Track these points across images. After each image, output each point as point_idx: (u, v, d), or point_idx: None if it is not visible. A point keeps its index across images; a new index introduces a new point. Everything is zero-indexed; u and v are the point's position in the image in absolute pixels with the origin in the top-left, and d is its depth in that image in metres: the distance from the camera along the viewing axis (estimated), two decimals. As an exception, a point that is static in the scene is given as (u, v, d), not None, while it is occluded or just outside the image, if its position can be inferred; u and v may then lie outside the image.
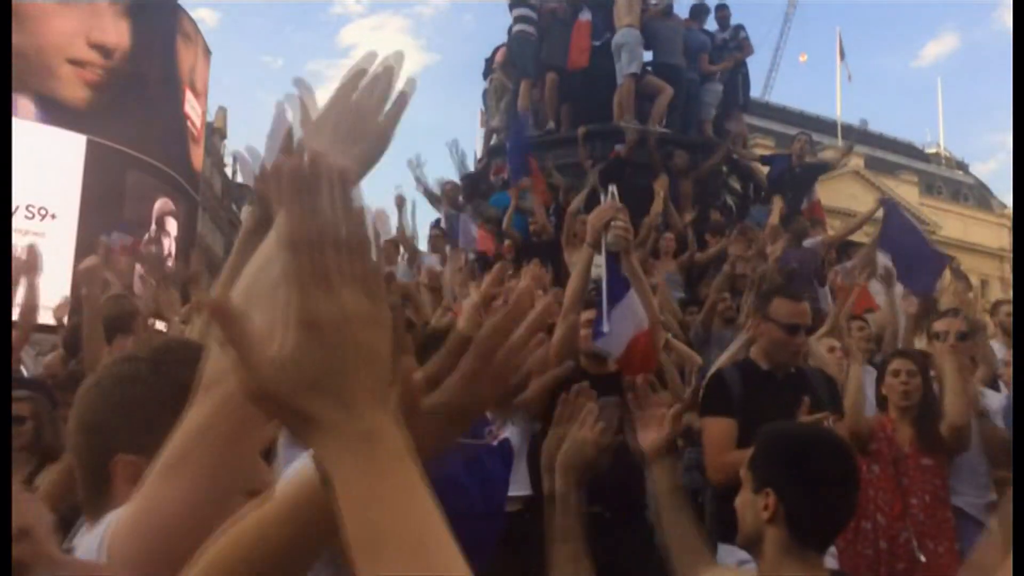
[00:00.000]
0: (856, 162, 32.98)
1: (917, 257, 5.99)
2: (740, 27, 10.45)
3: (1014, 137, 4.24)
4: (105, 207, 16.92)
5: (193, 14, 22.55)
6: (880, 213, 7.02)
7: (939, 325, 4.11)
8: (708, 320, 5.84)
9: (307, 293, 0.65)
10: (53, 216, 16.20)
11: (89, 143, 17.18)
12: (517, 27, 10.01)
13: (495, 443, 3.27)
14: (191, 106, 21.53)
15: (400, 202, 8.81)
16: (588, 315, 4.05)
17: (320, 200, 0.67)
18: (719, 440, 3.10)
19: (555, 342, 4.12)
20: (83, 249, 16.14)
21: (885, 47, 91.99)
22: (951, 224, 38.69)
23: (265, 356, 0.65)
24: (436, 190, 9.79)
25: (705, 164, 9.11)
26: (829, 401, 3.18)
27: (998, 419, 3.95)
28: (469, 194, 9.58)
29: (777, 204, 8.18)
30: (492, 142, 10.88)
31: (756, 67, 9.95)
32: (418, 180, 9.64)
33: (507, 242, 7.77)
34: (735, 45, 10.28)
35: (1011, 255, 41.25)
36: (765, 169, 9.92)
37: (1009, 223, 42.97)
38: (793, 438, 1.93)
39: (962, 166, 46.75)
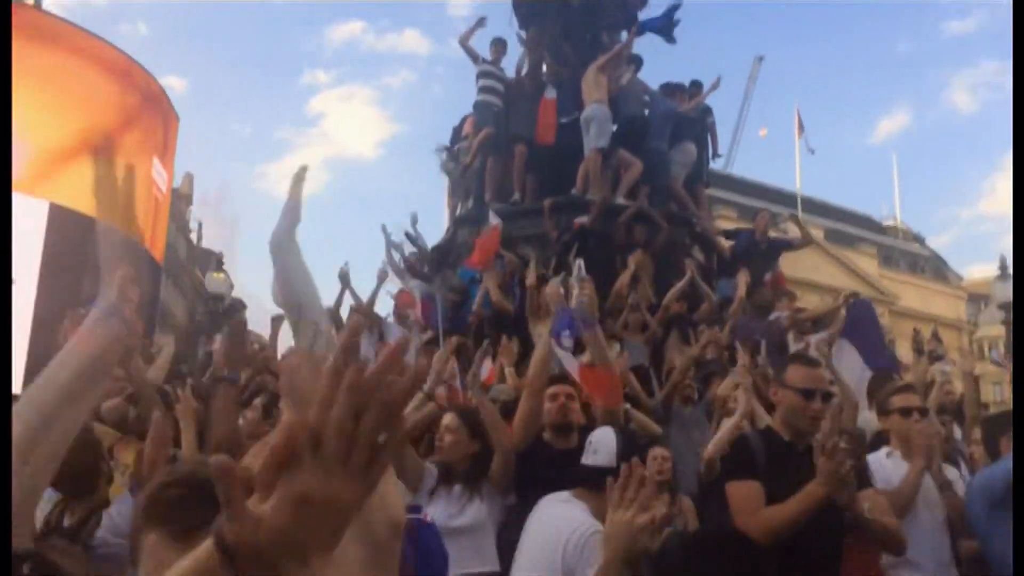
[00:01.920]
0: (816, 233, 33.62)
1: (876, 349, 6.13)
2: (708, 109, 10.77)
3: (1014, 138, 4.31)
4: (66, 272, 16.69)
5: (162, 81, 22.61)
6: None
7: (898, 400, 4.10)
8: (669, 399, 5.85)
9: (307, 469, 0.72)
10: (12, 281, 15.89)
11: (52, 207, 16.98)
12: (481, 96, 10.21)
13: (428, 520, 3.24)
14: (157, 172, 21.45)
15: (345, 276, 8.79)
16: (556, 389, 4.03)
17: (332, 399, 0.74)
18: (749, 501, 3.03)
19: (520, 415, 4.09)
20: (42, 315, 15.91)
21: (840, 123, 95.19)
22: (909, 295, 39.46)
23: (252, 514, 0.72)
24: (398, 257, 9.72)
25: (660, 235, 9.18)
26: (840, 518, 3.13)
27: (958, 491, 3.97)
28: (436, 265, 9.56)
29: (743, 278, 8.27)
30: (458, 212, 10.95)
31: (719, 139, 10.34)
32: (389, 250, 9.51)
33: (471, 317, 7.78)
34: (701, 124, 10.57)
35: (968, 326, 42.10)
36: (729, 242, 10.07)
37: (965, 296, 43.94)
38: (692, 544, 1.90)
39: (919, 239, 47.93)
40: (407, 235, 9.63)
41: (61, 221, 16.72)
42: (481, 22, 10.61)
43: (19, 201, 16.31)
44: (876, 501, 3.21)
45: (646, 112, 10.19)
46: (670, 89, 10.45)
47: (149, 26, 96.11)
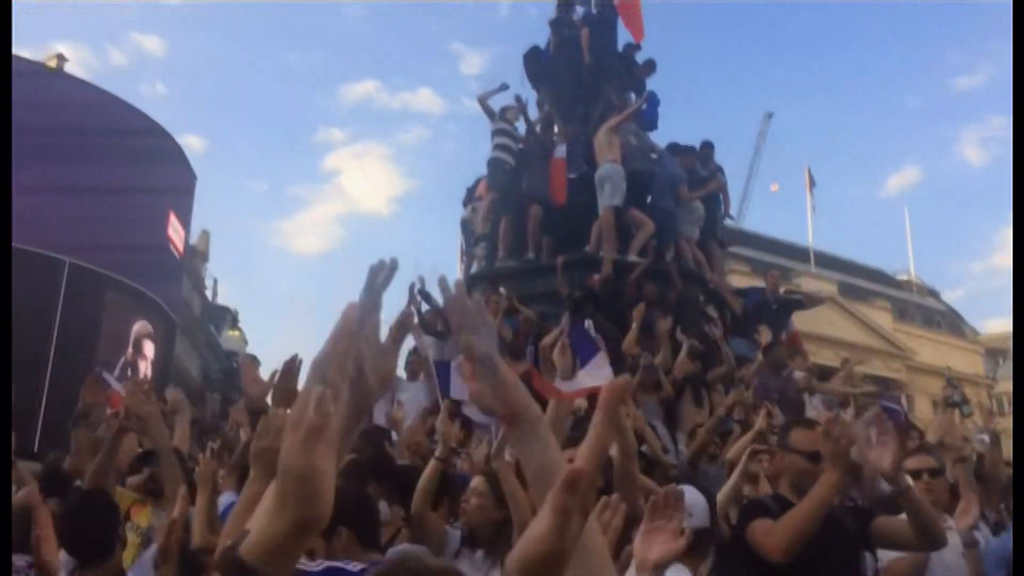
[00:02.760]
0: (829, 288, 33.54)
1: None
2: (720, 169, 10.87)
3: (1014, 139, 4.30)
4: (83, 328, 16.87)
5: (180, 140, 23.06)
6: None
7: (911, 463, 4.06)
8: (697, 457, 5.80)
9: None
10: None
11: (71, 266, 17.16)
12: (495, 154, 10.34)
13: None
14: (174, 229, 21.72)
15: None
16: (573, 453, 3.96)
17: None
18: (766, 527, 3.04)
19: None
20: (59, 371, 15.98)
21: (851, 178, 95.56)
22: (926, 350, 39.11)
23: None
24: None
25: (672, 293, 9.18)
26: (859, 538, 3.14)
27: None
28: (448, 325, 9.57)
29: (764, 335, 8.28)
30: (472, 270, 11.01)
31: (730, 195, 10.49)
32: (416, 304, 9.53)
33: None
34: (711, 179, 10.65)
35: (986, 381, 41.64)
36: (741, 300, 10.08)
37: (983, 350, 43.54)
38: None
39: (933, 293, 47.70)
40: (420, 293, 9.65)
41: (80, 280, 16.92)
42: (503, 87, 10.77)
43: (42, 259, 16.58)
44: (896, 566, 3.17)
45: (653, 169, 10.29)
46: (679, 149, 10.56)
47: (168, 86, 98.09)
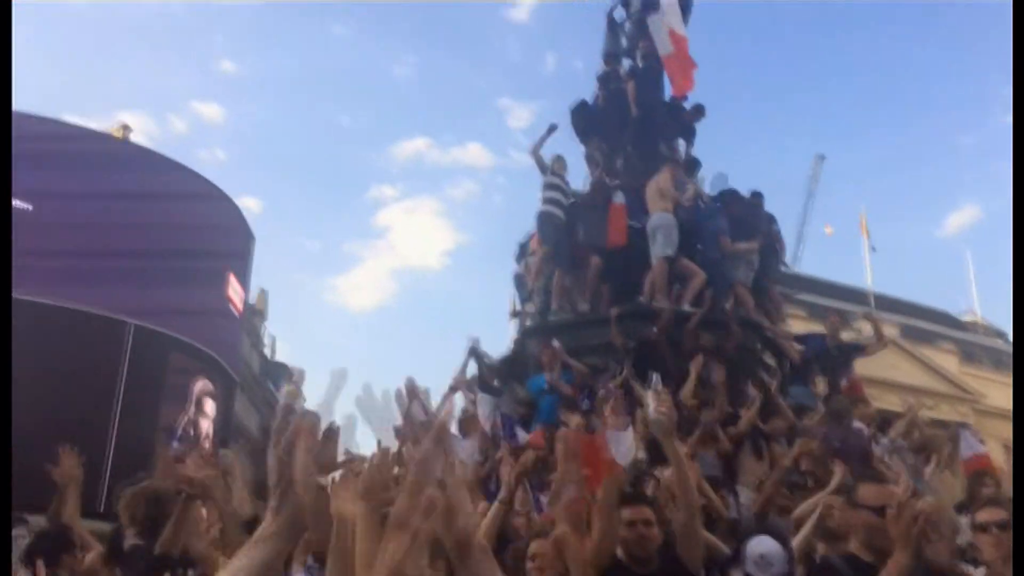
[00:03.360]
0: (891, 331, 32.76)
1: None
2: (772, 219, 10.79)
3: (1014, 140, 4.19)
4: (147, 388, 17.32)
5: (239, 202, 23.70)
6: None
7: (982, 515, 3.90)
8: (764, 511, 5.68)
9: None
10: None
11: (135, 329, 17.63)
12: (545, 207, 10.39)
13: None
14: (233, 289, 22.23)
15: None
16: (632, 515, 3.87)
17: None
18: None
19: (596, 534, 3.95)
20: (124, 431, 16.36)
21: (907, 218, 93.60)
22: (995, 393, 37.77)
23: None
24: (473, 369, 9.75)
25: (729, 342, 9.06)
26: None
27: None
28: (504, 377, 9.60)
29: (821, 385, 8.12)
30: (526, 324, 11.04)
31: (784, 239, 10.36)
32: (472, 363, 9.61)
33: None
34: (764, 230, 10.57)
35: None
36: (799, 347, 9.90)
37: (1056, 391, 41.91)
38: None
39: (1001, 334, 46.25)
40: (473, 351, 9.71)
41: (144, 342, 17.36)
42: (552, 129, 10.85)
43: (106, 322, 17.05)
44: None
45: (700, 219, 10.25)
46: (728, 197, 10.52)
47: (226, 151, 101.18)
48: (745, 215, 10.25)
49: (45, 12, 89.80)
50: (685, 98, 11.78)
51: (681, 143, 11.69)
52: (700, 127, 11.75)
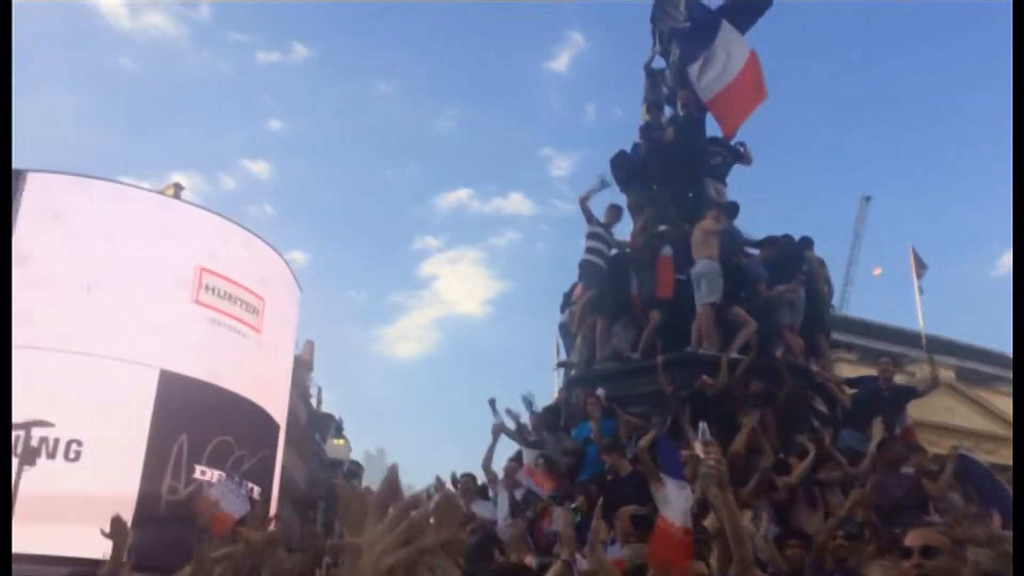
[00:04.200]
0: (947, 375, 31.95)
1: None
2: (822, 262, 10.73)
3: (1014, 140, 4.09)
4: (173, 432, 17.69)
5: (286, 256, 24.12)
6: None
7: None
8: (820, 560, 5.55)
9: None
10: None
11: (162, 373, 17.64)
12: (587, 256, 10.47)
13: None
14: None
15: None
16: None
17: None
18: None
19: None
20: (150, 471, 16.51)
21: (958, 259, 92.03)
22: (1058, 435, 36.60)
23: None
24: (511, 423, 9.68)
25: (783, 389, 8.94)
26: None
27: None
28: (550, 426, 9.56)
29: (877, 429, 7.93)
30: (571, 374, 11.01)
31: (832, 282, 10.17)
32: (496, 424, 9.52)
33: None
34: (808, 271, 10.47)
35: None
36: (851, 391, 9.71)
37: (1123, 433, 40.44)
38: None
39: (1060, 374, 44.90)
40: (525, 401, 9.70)
41: (170, 384, 17.42)
42: (603, 185, 10.87)
43: (131, 369, 17.18)
44: None
45: (745, 264, 10.22)
46: (772, 241, 10.47)
47: (274, 207, 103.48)
48: (782, 259, 10.19)
49: (98, 76, 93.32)
50: (731, 138, 11.80)
51: (725, 187, 11.71)
52: (744, 171, 11.78)
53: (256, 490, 17.85)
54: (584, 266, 10.52)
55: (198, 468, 17.25)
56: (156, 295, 17.82)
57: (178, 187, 24.27)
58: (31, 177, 17.97)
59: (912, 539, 3.06)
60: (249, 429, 18.68)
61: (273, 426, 20.23)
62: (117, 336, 16.97)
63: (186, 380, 17.42)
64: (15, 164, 16.52)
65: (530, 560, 5.36)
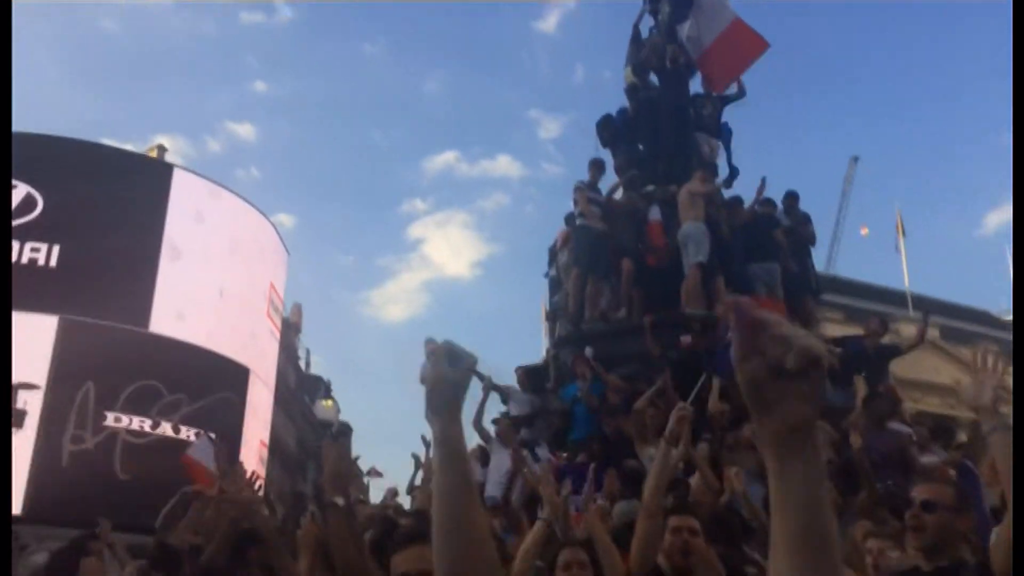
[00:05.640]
0: (932, 333, 32.21)
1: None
2: (808, 218, 10.71)
3: (1014, 140, 4.12)
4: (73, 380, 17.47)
5: (273, 219, 23.96)
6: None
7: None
8: None
9: None
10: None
11: (61, 320, 17.34)
12: (580, 220, 10.38)
13: None
14: (273, 306, 22.49)
15: None
16: (678, 522, 3.83)
17: None
18: None
19: (636, 540, 3.91)
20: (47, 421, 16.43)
21: (945, 218, 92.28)
22: (1040, 393, 37.01)
23: None
24: (501, 383, 9.64)
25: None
26: None
27: None
28: (535, 387, 9.47)
29: (860, 386, 8.01)
30: (559, 333, 11.02)
31: (818, 241, 10.15)
32: (485, 378, 9.42)
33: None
34: (801, 231, 10.48)
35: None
36: (837, 350, 9.78)
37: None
38: None
39: (1044, 332, 45.26)
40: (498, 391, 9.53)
41: (70, 331, 17.20)
42: (599, 165, 10.89)
43: (26, 318, 16.98)
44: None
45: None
46: (763, 203, 10.44)
47: (261, 169, 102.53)
48: (755, 229, 10.18)
49: (80, 38, 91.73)
50: (723, 98, 11.70)
51: (720, 145, 11.61)
52: (734, 131, 11.69)
53: (209, 435, 17.32)
54: (579, 231, 10.42)
55: (110, 415, 16.81)
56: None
57: (161, 149, 24.03)
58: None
59: (919, 492, 3.05)
60: (188, 373, 17.91)
61: (237, 370, 19.55)
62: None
63: (90, 326, 17.01)
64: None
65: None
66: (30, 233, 17.63)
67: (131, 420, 16.97)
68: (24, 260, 17.36)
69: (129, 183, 18.77)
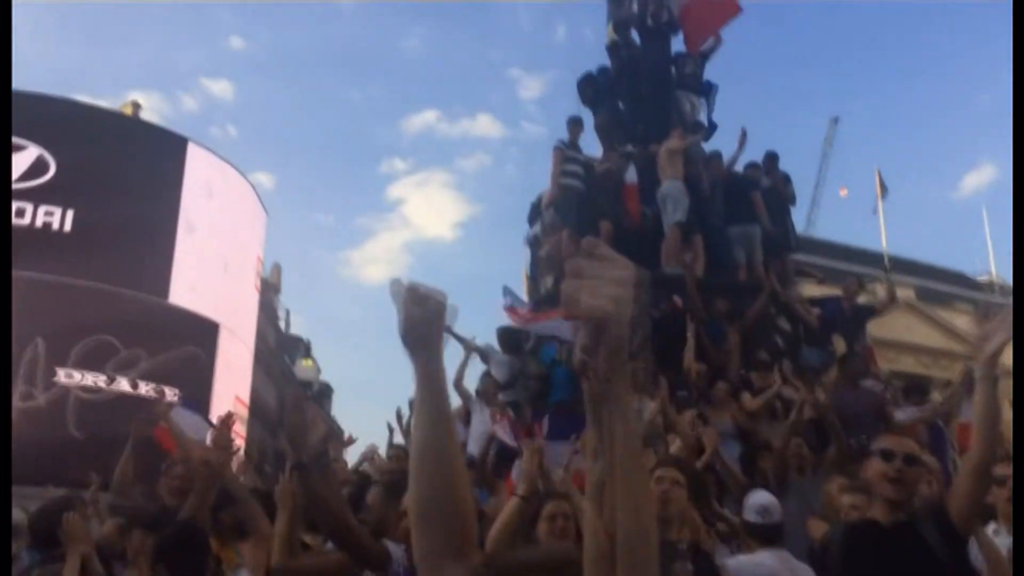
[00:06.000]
0: (907, 293, 32.54)
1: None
2: (787, 178, 10.71)
3: (1014, 139, 4.15)
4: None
5: (250, 177, 23.72)
6: None
7: (999, 468, 3.80)
8: (781, 470, 5.67)
9: None
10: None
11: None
12: (564, 180, 10.33)
13: None
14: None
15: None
16: (661, 473, 3.84)
17: None
18: None
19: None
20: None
21: (924, 180, 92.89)
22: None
23: None
24: (480, 343, 9.61)
25: (750, 311, 9.05)
26: (948, 559, 2.86)
27: None
28: (510, 349, 9.43)
29: (839, 346, 8.10)
30: (541, 292, 11.01)
31: (798, 202, 10.13)
32: (465, 341, 9.20)
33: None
34: (781, 191, 10.48)
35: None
36: (815, 311, 9.85)
37: (1074, 350, 41.58)
38: None
39: (1018, 294, 45.76)
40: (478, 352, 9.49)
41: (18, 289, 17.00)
42: (578, 123, 10.81)
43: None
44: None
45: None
46: (748, 166, 10.42)
47: (237, 128, 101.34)
48: (758, 178, 10.19)
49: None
50: (701, 54, 11.63)
51: (703, 102, 11.56)
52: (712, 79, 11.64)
53: (173, 392, 17.35)
54: (563, 192, 10.37)
55: (61, 371, 16.71)
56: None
57: (136, 105, 23.62)
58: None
59: (896, 445, 3.08)
60: (146, 328, 17.82)
61: (204, 324, 19.44)
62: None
63: (36, 282, 16.88)
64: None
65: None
66: (43, 196, 17.65)
67: (83, 376, 16.80)
68: (38, 223, 17.41)
69: (143, 153, 19.03)
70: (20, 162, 17.50)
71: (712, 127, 11.44)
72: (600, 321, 1.20)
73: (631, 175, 10.12)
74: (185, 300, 18.85)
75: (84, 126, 18.55)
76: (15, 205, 17.19)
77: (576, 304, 1.20)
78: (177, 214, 18.92)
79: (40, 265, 16.48)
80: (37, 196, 17.51)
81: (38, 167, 17.62)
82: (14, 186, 17.30)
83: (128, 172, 18.33)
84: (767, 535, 4.11)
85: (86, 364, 16.96)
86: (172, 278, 18.50)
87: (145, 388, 16.87)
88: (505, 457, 7.10)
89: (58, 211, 17.60)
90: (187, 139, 20.64)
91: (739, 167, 10.41)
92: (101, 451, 14.20)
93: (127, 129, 19.71)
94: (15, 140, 17.41)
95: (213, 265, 19.17)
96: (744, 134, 10.17)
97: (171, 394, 17.18)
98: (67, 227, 17.64)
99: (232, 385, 20.22)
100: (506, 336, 9.46)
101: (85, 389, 16.80)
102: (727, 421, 6.93)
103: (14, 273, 16.07)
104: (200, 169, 20.04)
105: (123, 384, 17.03)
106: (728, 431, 6.75)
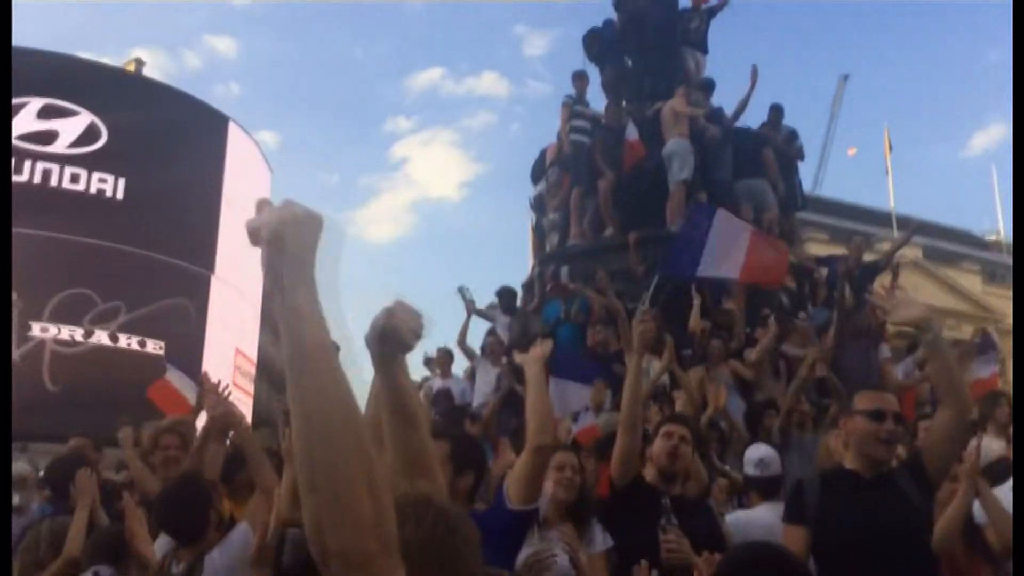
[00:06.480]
0: (915, 253, 32.44)
1: None
2: (794, 133, 10.60)
3: (1014, 139, 4.16)
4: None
5: (256, 135, 23.63)
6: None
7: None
8: (786, 426, 5.71)
9: None
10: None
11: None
12: (573, 136, 10.29)
13: None
14: (253, 223, 22.37)
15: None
16: (671, 428, 3.85)
17: None
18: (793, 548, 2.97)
19: (616, 451, 3.93)
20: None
21: (932, 139, 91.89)
22: (1019, 312, 37.54)
23: None
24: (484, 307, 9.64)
25: None
26: (923, 509, 3.00)
27: None
28: (508, 308, 9.41)
29: (845, 301, 8.05)
30: (545, 250, 10.99)
31: (805, 162, 10.00)
32: (468, 302, 9.30)
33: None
34: (786, 147, 10.40)
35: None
36: (822, 270, 9.83)
37: (1081, 309, 41.46)
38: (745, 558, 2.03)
39: (1026, 253, 45.54)
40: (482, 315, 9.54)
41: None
42: (583, 78, 10.80)
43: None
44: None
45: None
46: (765, 124, 10.33)
47: (241, 85, 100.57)
48: (740, 149, 10.06)
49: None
50: (708, 10, 11.43)
51: (705, 59, 11.42)
52: (723, 48, 11.51)
53: (157, 345, 17.29)
54: (572, 147, 10.31)
55: (36, 325, 16.36)
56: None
57: (139, 62, 23.46)
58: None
59: (884, 403, 3.10)
60: (127, 280, 17.46)
61: (192, 275, 19.01)
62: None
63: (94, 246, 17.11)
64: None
65: (505, 441, 5.43)
66: (97, 163, 17.85)
67: (59, 329, 16.61)
68: (92, 190, 17.66)
69: (187, 128, 19.24)
70: (71, 128, 17.68)
71: (711, 84, 11.30)
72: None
73: (632, 131, 10.04)
74: (232, 278, 19.30)
75: (130, 96, 18.93)
76: (68, 171, 17.45)
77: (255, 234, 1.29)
78: (220, 190, 19.41)
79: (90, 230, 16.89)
80: (91, 163, 17.72)
81: (90, 134, 17.80)
82: (65, 151, 17.53)
83: (175, 144, 18.68)
84: (766, 488, 4.19)
85: (61, 317, 16.73)
86: (218, 251, 19.13)
87: (127, 341, 16.77)
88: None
89: (111, 178, 17.83)
90: (228, 118, 21.14)
91: (749, 117, 10.34)
92: (77, 403, 14.33)
93: (169, 101, 19.87)
94: (67, 105, 17.68)
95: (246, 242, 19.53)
96: (755, 71, 9.91)
97: (155, 347, 17.17)
98: (119, 195, 17.89)
99: (228, 338, 19.91)
100: (505, 296, 9.49)
101: (60, 342, 16.60)
102: (725, 375, 6.96)
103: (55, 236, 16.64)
104: (238, 149, 20.84)
105: (102, 337, 16.99)
106: (730, 386, 6.77)
